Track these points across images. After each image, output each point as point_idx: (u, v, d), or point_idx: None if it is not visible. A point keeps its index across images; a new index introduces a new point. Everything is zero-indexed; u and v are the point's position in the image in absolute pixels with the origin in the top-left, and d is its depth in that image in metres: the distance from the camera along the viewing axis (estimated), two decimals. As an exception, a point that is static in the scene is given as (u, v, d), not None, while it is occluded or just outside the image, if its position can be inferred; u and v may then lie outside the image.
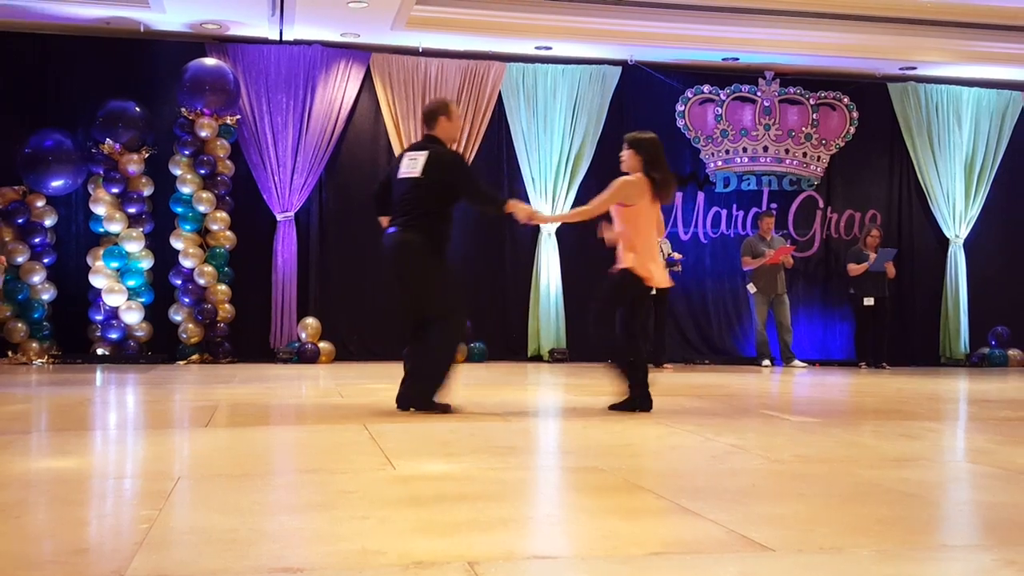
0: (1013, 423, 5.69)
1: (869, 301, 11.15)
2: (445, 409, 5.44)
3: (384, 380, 8.18)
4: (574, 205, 11.24)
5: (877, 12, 10.55)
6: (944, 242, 12.18)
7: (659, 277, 5.84)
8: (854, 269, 11.23)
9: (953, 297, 12.07)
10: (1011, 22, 10.80)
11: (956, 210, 12.12)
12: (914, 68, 11.73)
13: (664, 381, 8.70)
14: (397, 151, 10.85)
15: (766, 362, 10.97)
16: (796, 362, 11.02)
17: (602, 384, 8.17)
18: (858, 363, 11.33)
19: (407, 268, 5.53)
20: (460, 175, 5.65)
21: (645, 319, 5.88)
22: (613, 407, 5.69)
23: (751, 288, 11.09)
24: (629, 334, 5.76)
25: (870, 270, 11.13)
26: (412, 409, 5.47)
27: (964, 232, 12.16)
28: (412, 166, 5.56)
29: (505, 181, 11.31)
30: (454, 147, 5.88)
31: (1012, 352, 11.87)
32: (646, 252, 5.75)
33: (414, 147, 5.84)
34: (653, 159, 5.84)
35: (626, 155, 5.90)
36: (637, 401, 5.64)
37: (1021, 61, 11.48)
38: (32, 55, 10.18)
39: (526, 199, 11.18)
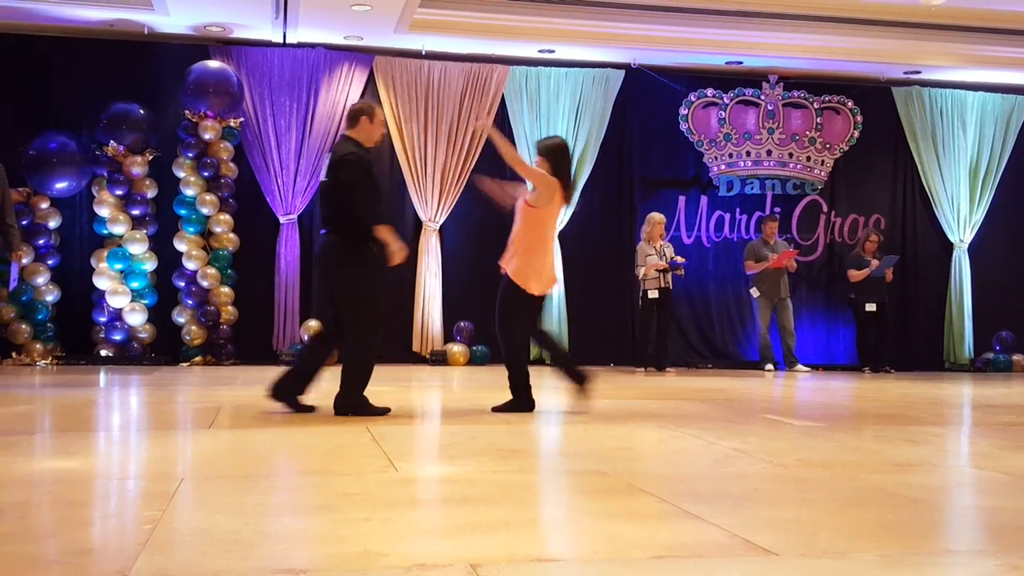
0: (1017, 428, 5.68)
1: (871, 307, 11.15)
2: (380, 412, 5.51)
3: (387, 383, 8.18)
4: (577, 210, 11.24)
5: (881, 16, 10.55)
6: (948, 247, 12.16)
7: (539, 285, 5.86)
8: (855, 275, 11.22)
9: (957, 302, 12.05)
10: (1016, 26, 10.79)
11: (960, 215, 12.10)
12: (918, 72, 11.72)
13: (667, 385, 8.70)
14: (400, 154, 10.87)
15: (769, 366, 10.96)
16: (799, 366, 11.01)
17: (604, 388, 8.16)
18: (861, 367, 11.32)
19: (329, 273, 5.61)
20: (345, 174, 5.45)
21: (532, 324, 5.91)
22: (496, 408, 5.81)
23: (754, 292, 11.09)
24: (512, 337, 5.89)
25: (872, 276, 11.11)
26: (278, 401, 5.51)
27: (968, 237, 12.14)
28: (325, 169, 5.65)
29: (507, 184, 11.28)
30: (371, 148, 5.72)
31: (1016, 357, 11.85)
32: (536, 258, 5.84)
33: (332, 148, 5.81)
34: (559, 163, 5.95)
35: (539, 161, 6.00)
36: (519, 403, 5.81)
37: (1025, 65, 11.48)
38: (36, 57, 10.20)
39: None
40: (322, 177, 5.69)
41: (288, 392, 5.56)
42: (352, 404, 5.47)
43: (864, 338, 11.37)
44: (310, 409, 5.56)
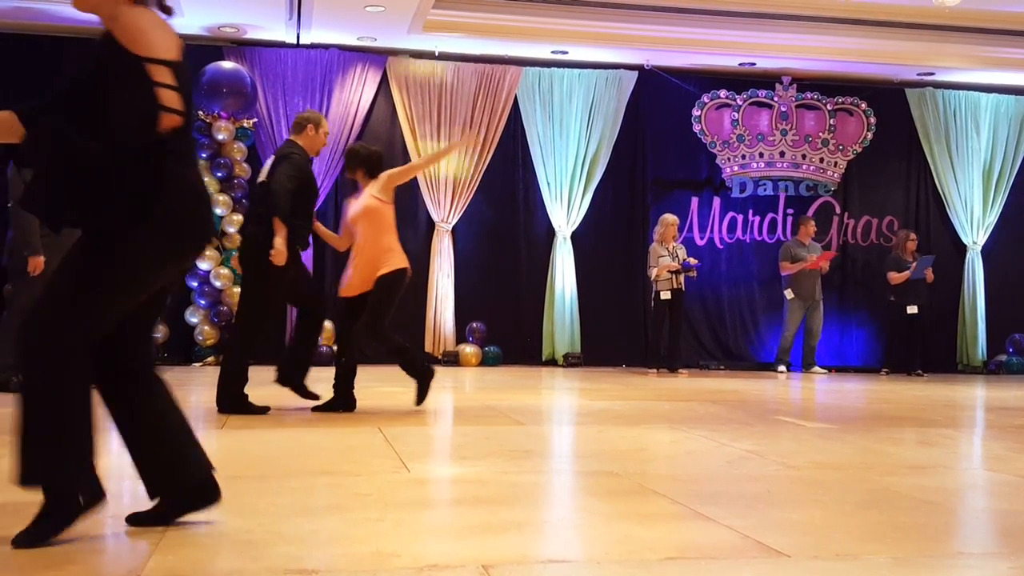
0: (1031, 431, 5.65)
1: (913, 309, 11.00)
2: (259, 411, 5.59)
3: (399, 384, 8.19)
4: (590, 211, 11.26)
5: (895, 17, 10.51)
6: (962, 249, 12.11)
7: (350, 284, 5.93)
8: (896, 277, 11.05)
9: (971, 304, 11.99)
10: (1030, 28, 10.75)
11: (974, 216, 12.05)
12: (932, 74, 11.68)
13: (679, 386, 8.68)
14: (413, 154, 10.88)
15: (782, 368, 10.92)
16: (816, 368, 10.98)
17: (615, 389, 8.16)
18: (881, 369, 11.24)
19: (242, 261, 5.80)
20: (277, 171, 5.63)
21: (348, 324, 5.96)
22: (316, 408, 5.84)
23: (788, 294, 10.99)
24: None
25: (912, 278, 11.01)
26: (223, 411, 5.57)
27: (982, 239, 12.09)
28: (263, 171, 5.85)
29: (520, 185, 11.32)
30: (312, 158, 5.91)
31: (1030, 360, 11.80)
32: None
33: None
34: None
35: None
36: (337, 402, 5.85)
37: (1040, 67, 11.42)
38: (48, 57, 10.24)
39: (541, 204, 11.21)
40: (261, 177, 5.83)
41: (291, 379, 5.77)
42: (232, 400, 5.57)
43: (899, 341, 11.22)
44: (315, 397, 5.81)
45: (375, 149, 6.10)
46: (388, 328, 5.83)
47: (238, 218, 10.14)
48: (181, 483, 2.72)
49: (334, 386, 5.88)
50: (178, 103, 2.48)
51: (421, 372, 5.86)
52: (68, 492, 2.52)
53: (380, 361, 10.50)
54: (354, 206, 5.98)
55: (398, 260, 5.84)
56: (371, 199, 5.86)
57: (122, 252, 2.52)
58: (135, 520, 2.68)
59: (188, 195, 2.61)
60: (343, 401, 5.85)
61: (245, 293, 5.80)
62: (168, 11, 2.72)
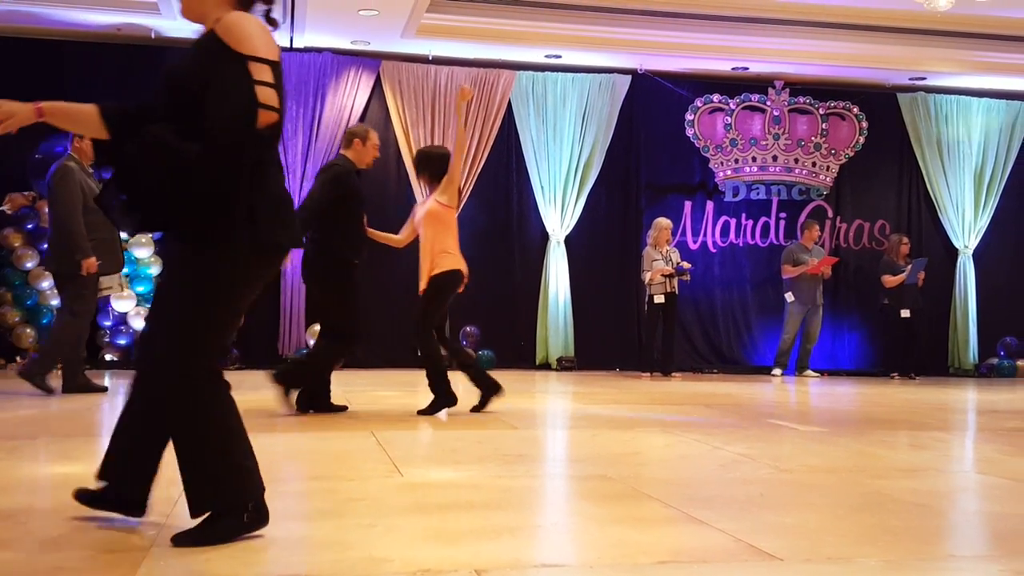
0: (1021, 433, 5.67)
1: (906, 313, 11.04)
2: (338, 408, 5.99)
3: (393, 388, 8.19)
4: (583, 214, 11.27)
5: (887, 22, 10.54)
6: (953, 252, 12.15)
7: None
8: (890, 281, 11.08)
9: (962, 307, 12.03)
10: (1021, 33, 10.78)
11: (965, 220, 12.09)
12: (924, 78, 11.72)
13: (672, 390, 8.69)
14: (407, 159, 10.88)
15: (777, 371, 10.94)
16: (808, 372, 11.00)
17: (609, 393, 8.16)
18: (889, 374, 11.26)
19: (307, 284, 6.14)
20: (314, 183, 5.99)
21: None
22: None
23: (789, 297, 11.02)
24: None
25: (906, 282, 11.04)
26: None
27: (973, 243, 12.13)
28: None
29: (514, 189, 11.32)
30: (361, 169, 6.08)
31: (1021, 363, 11.81)
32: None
33: None
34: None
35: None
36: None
37: (1031, 71, 11.47)
38: (43, 61, 10.23)
39: (535, 207, 11.22)
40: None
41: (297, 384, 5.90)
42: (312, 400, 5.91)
43: (894, 345, 11.28)
44: (344, 408, 6.00)
45: (438, 152, 6.20)
46: (430, 331, 6.01)
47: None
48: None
49: (432, 386, 6.00)
50: (276, 101, 2.51)
51: (443, 388, 5.96)
52: (239, 504, 2.59)
53: (375, 365, 10.53)
54: (420, 209, 6.19)
55: (451, 262, 5.99)
56: (434, 203, 6.06)
57: (222, 269, 2.56)
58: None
59: (279, 201, 2.64)
60: (446, 399, 5.97)
61: (321, 308, 6.03)
62: (274, 24, 2.77)
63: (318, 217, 5.70)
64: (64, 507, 3.13)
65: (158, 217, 2.51)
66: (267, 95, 2.48)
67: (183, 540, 2.54)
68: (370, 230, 6.20)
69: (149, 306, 2.57)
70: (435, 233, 6.02)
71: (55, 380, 6.83)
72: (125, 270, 9.83)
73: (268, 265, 2.66)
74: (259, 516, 2.61)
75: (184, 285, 2.57)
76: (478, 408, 6.02)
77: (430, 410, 5.93)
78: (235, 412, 2.66)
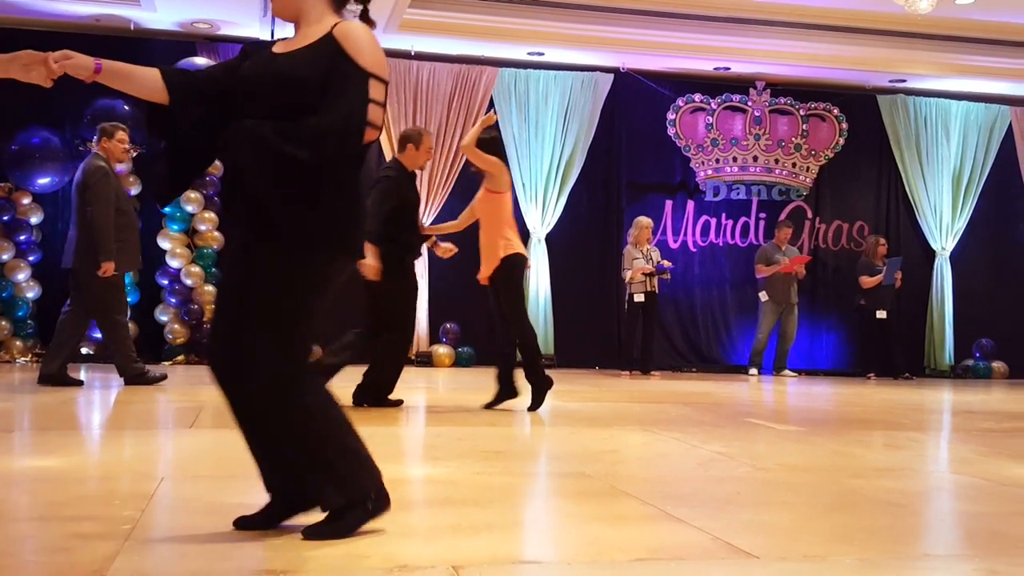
0: (996, 434, 5.72)
1: (882, 314, 11.11)
2: (395, 404, 6.04)
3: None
4: (564, 213, 11.27)
5: (868, 25, 10.60)
6: (931, 254, 12.24)
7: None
8: (867, 282, 11.14)
9: (939, 309, 12.13)
10: (1000, 36, 10.87)
11: (943, 222, 12.18)
12: (903, 81, 11.79)
13: (651, 388, 8.71)
14: (388, 154, 10.84)
15: (753, 371, 10.99)
16: (785, 371, 11.05)
17: (588, 391, 8.17)
18: (866, 374, 11.32)
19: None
20: (368, 199, 6.09)
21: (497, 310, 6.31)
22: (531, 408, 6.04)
23: (763, 296, 11.07)
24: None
25: (883, 283, 11.10)
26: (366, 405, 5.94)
27: (951, 245, 12.22)
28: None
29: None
30: (416, 174, 6.24)
31: (996, 364, 11.93)
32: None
33: None
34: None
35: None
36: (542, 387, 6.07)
37: (1010, 75, 11.55)
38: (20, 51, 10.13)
39: (516, 205, 11.19)
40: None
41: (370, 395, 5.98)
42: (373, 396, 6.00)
43: (871, 345, 11.34)
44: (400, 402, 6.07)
45: (481, 140, 6.10)
46: (526, 316, 6.14)
47: (209, 215, 10.07)
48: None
49: (498, 377, 6.11)
50: (380, 121, 2.59)
51: (541, 378, 5.99)
52: (365, 494, 2.60)
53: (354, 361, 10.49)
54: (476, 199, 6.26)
55: (511, 247, 6.02)
56: (483, 192, 6.13)
57: (313, 270, 2.58)
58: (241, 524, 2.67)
59: (363, 211, 2.71)
60: (509, 391, 6.08)
61: (373, 304, 5.98)
62: (372, 24, 2.82)
63: (377, 232, 5.79)
64: (39, 500, 3.10)
65: (257, 216, 2.52)
66: (376, 114, 2.55)
67: (316, 533, 2.54)
68: (427, 227, 6.43)
69: (222, 304, 2.51)
70: (489, 222, 6.09)
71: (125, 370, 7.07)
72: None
73: (344, 271, 2.71)
74: (382, 502, 2.64)
75: (277, 285, 2.54)
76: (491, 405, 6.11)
77: (536, 404, 5.98)
78: (337, 403, 2.68)
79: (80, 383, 7.05)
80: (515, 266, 6.04)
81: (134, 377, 7.01)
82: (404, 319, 6.12)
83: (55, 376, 6.86)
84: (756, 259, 11.18)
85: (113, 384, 7.45)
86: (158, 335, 10.03)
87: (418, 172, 6.34)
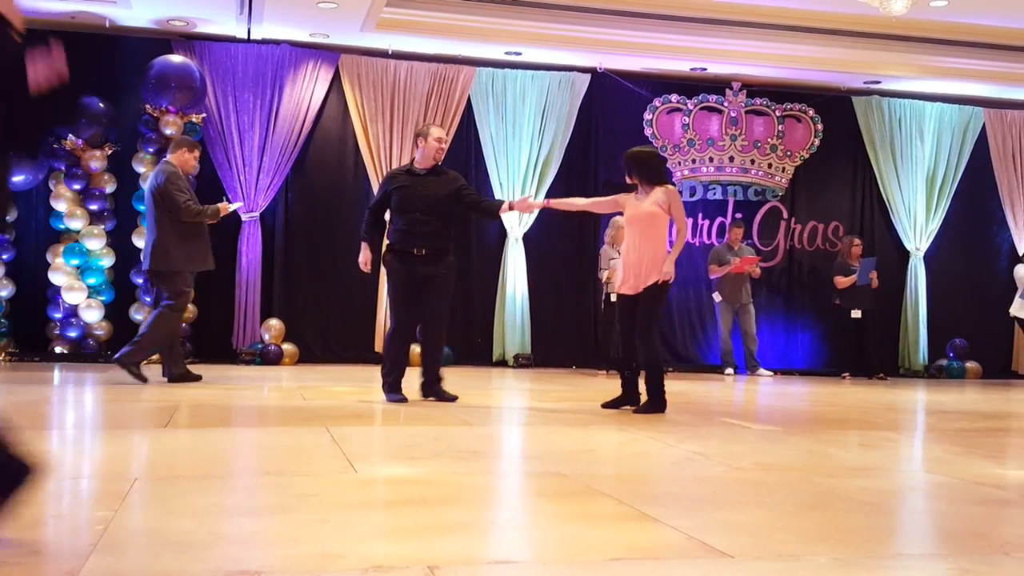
0: (969, 434, 5.77)
1: (857, 314, 11.19)
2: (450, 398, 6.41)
3: (347, 383, 8.14)
4: (541, 212, 11.26)
5: (843, 26, 10.68)
6: (905, 254, 12.34)
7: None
8: (842, 282, 11.22)
9: (913, 309, 12.23)
10: (974, 39, 10.97)
11: (917, 223, 12.28)
12: (878, 82, 11.88)
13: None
14: (365, 153, 10.83)
15: (729, 370, 11.04)
16: (760, 371, 11.11)
17: (565, 390, 8.18)
18: (841, 374, 11.39)
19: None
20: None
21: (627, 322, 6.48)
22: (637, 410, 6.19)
23: (716, 297, 11.17)
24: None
25: (858, 284, 11.18)
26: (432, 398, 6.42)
27: (925, 245, 12.33)
28: None
29: (473, 186, 11.25)
30: (437, 167, 6.59)
31: (969, 364, 12.04)
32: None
33: None
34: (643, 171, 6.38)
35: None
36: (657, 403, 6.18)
37: (983, 77, 11.66)
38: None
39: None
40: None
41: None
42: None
43: (846, 345, 11.41)
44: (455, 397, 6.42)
45: (647, 153, 6.36)
46: (657, 335, 6.25)
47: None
48: None
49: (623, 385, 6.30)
50: None
51: (659, 395, 6.10)
52: None
53: (330, 360, 10.45)
54: (632, 206, 6.30)
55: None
56: (654, 207, 6.15)
57: None
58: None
59: None
60: (632, 398, 6.21)
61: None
62: None
63: (367, 221, 6.67)
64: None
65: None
66: None
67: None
68: (551, 201, 7.04)
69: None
70: (649, 237, 6.14)
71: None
72: (76, 261, 9.69)
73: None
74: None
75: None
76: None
77: (645, 408, 6.09)
78: None
79: (198, 377, 7.53)
80: (666, 289, 6.21)
81: (128, 367, 7.25)
82: (395, 310, 6.50)
83: (182, 375, 7.43)
84: (709, 260, 11.28)
85: (87, 383, 7.38)
86: (133, 334, 9.90)
87: (437, 163, 6.56)
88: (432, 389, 6.44)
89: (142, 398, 6.43)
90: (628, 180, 6.35)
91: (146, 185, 7.73)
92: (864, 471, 4.15)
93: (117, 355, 7.44)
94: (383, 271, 10.97)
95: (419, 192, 6.41)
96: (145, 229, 7.64)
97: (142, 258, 7.69)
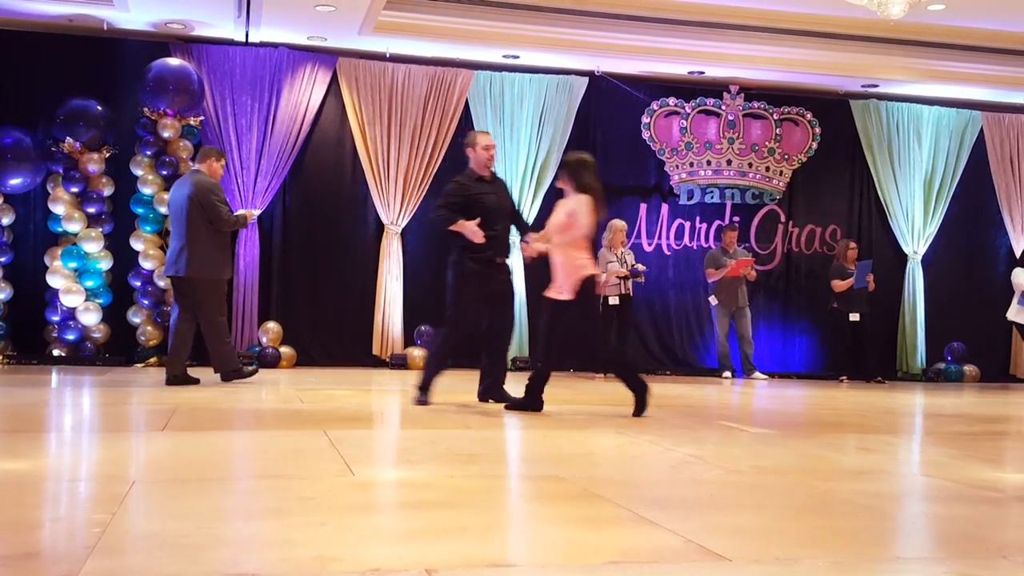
0: (967, 437, 5.77)
1: (855, 317, 11.19)
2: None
3: (345, 386, 8.14)
4: (539, 215, 11.27)
5: (841, 30, 10.69)
6: (903, 258, 12.35)
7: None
8: (839, 285, 11.22)
9: (910, 312, 12.23)
10: (972, 42, 10.99)
11: (915, 226, 12.29)
12: (876, 86, 11.90)
13: (625, 391, 8.71)
14: (363, 156, 10.83)
15: (727, 374, 11.05)
16: (757, 374, 11.11)
17: (563, 393, 8.18)
18: (838, 377, 11.39)
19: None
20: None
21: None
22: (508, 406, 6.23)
23: (712, 300, 11.18)
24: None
25: (856, 287, 11.19)
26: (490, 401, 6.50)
27: (922, 248, 12.34)
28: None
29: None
30: (483, 174, 6.64)
31: (967, 368, 12.05)
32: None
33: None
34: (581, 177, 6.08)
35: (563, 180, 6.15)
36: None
37: (981, 80, 11.67)
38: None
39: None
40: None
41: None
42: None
43: (844, 348, 11.41)
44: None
45: (576, 158, 6.11)
46: (604, 336, 6.18)
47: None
48: None
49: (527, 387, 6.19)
50: None
51: (535, 395, 6.10)
52: None
53: (328, 363, 10.45)
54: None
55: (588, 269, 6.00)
56: (562, 215, 5.99)
57: None
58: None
59: None
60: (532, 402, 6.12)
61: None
62: None
63: (451, 210, 6.50)
64: (7, 503, 3.07)
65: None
66: None
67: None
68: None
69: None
70: (559, 246, 6.03)
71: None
72: (74, 264, 9.69)
73: None
74: None
75: None
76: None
77: (639, 409, 6.04)
78: None
79: (196, 381, 7.58)
80: (566, 309, 6.13)
81: (229, 374, 7.63)
82: (462, 318, 6.50)
83: (180, 377, 7.48)
84: (705, 264, 11.28)
85: (85, 386, 7.38)
86: (130, 337, 9.94)
87: (489, 171, 6.61)
88: (500, 393, 6.54)
89: (140, 402, 6.42)
90: (558, 184, 6.22)
91: (176, 192, 7.67)
92: (862, 474, 4.15)
93: (222, 377, 7.68)
94: (385, 270, 11.12)
95: (496, 201, 6.50)
96: (173, 236, 7.62)
97: (169, 264, 7.62)
